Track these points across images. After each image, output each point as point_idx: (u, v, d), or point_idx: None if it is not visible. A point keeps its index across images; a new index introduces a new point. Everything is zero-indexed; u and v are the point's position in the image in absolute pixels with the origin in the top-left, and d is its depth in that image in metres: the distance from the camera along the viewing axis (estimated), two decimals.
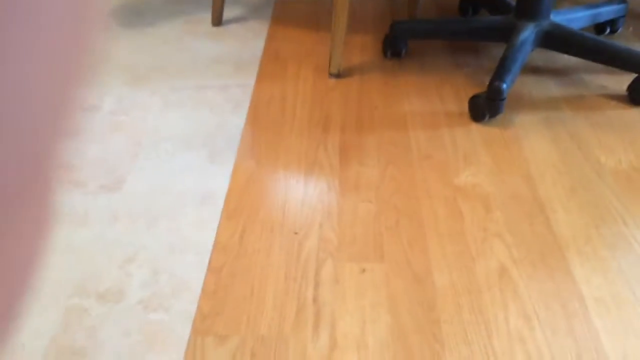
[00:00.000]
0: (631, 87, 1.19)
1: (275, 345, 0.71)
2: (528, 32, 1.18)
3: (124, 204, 0.92)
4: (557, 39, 1.21)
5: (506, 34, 1.20)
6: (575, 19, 1.28)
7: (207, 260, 0.82)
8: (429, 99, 1.19)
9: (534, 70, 1.30)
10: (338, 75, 1.26)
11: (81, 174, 0.97)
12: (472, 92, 1.21)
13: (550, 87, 1.24)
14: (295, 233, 0.88)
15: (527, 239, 0.87)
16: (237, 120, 1.13)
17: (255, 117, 1.14)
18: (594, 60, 1.21)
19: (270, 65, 1.31)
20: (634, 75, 1.19)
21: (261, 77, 1.26)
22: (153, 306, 0.76)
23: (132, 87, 1.22)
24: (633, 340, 0.73)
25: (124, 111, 1.15)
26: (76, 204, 0.92)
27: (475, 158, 1.04)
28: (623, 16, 1.41)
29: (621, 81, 1.26)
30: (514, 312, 0.76)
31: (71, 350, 0.71)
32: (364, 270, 0.81)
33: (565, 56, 1.33)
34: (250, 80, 1.25)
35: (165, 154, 1.03)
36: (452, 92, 1.22)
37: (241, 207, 0.92)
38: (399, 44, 1.32)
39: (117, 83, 1.24)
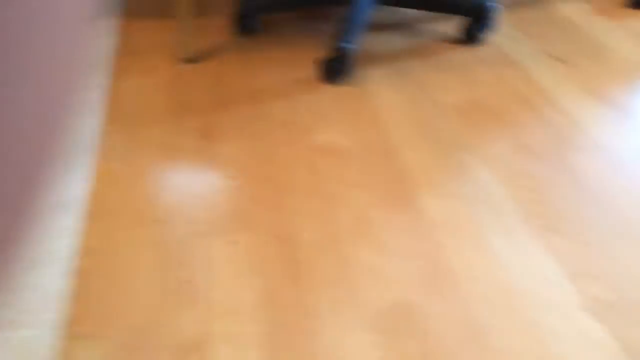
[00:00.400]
0: (464, 30, 1.30)
1: (151, 333, 0.73)
2: None
3: None
4: None
5: None
6: None
7: (72, 267, 0.81)
8: (283, 70, 1.23)
9: (377, 27, 1.38)
10: (193, 60, 1.26)
11: None
12: (323, 56, 1.26)
13: (394, 41, 1.33)
14: (163, 221, 0.88)
15: (381, 182, 0.94)
16: (93, 122, 1.10)
17: (113, 115, 1.11)
18: (430, 10, 1.30)
19: (125, 61, 1.27)
20: (465, 19, 1.29)
21: (116, 74, 1.23)
22: (18, 324, 0.74)
23: None
24: (476, 255, 0.82)
25: None
26: None
27: (330, 117, 1.09)
28: None
29: (454, 26, 1.37)
30: (372, 249, 0.82)
31: None
32: (233, 243, 0.84)
33: (406, 10, 1.42)
34: (105, 79, 1.22)
35: None
36: (305, 59, 1.26)
37: (105, 208, 0.91)
38: (249, 21, 1.33)
39: None
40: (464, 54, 1.26)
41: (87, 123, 1.10)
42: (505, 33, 1.34)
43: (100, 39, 1.37)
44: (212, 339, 0.71)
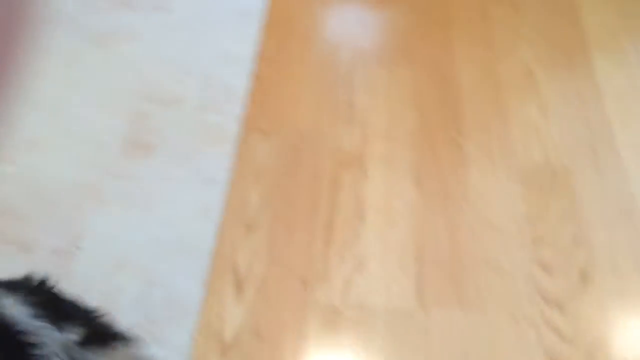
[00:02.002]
0: None
1: (313, 139, 0.82)
2: None
3: (171, 21, 0.97)
4: None
5: None
6: None
7: (250, 70, 0.90)
8: None
9: None
10: None
11: None
12: None
13: None
14: (331, 44, 0.93)
15: (554, 39, 0.90)
16: None
17: None
18: None
19: None
20: None
21: None
22: (207, 109, 0.86)
23: None
24: None
25: None
26: (130, 22, 0.97)
27: None
28: None
29: None
30: (533, 105, 0.83)
31: (140, 144, 0.82)
32: (395, 73, 0.88)
33: None
34: None
35: None
36: None
37: (279, 21, 0.96)
38: None
39: None
40: None
41: None
42: None
43: None
44: (368, 156, 0.79)
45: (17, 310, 0.38)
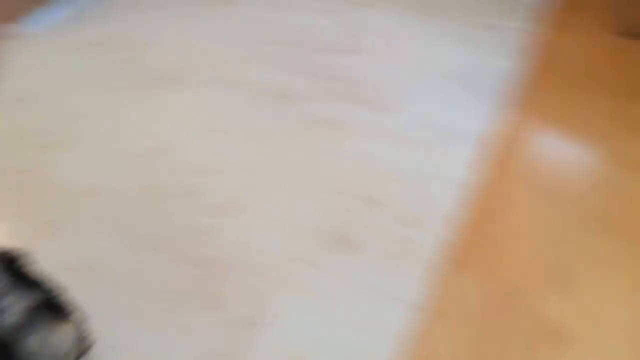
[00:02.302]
0: None
1: (515, 293, 0.76)
2: None
3: (390, 124, 1.00)
4: None
5: None
6: None
7: (462, 194, 0.88)
8: None
9: None
10: (636, 35, 1.13)
11: (360, 92, 1.06)
12: None
13: None
14: (549, 188, 0.88)
15: None
16: (504, 64, 1.11)
17: (527, 65, 1.10)
18: None
19: (558, 13, 1.22)
20: None
21: (539, 23, 1.20)
22: (409, 223, 0.85)
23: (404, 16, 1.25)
24: None
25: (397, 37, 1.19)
26: (353, 116, 1.02)
27: None
28: None
29: None
30: None
31: (338, 239, 0.84)
32: (612, 246, 0.79)
33: None
34: (523, 23, 1.20)
35: (432, 85, 1.08)
36: None
37: (500, 152, 0.94)
38: None
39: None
40: None
41: (498, 64, 1.11)
42: None
43: None
44: (571, 336, 0.70)
45: None
